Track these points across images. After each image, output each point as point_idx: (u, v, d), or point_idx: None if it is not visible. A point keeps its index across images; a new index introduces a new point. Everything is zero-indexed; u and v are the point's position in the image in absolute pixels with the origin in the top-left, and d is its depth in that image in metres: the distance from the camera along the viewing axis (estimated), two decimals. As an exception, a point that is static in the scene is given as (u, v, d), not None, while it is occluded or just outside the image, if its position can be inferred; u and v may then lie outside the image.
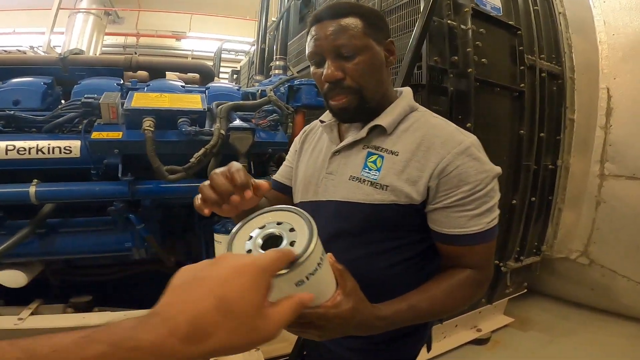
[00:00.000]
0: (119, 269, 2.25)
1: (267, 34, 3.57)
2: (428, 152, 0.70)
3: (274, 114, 1.88)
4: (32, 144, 1.57)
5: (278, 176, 0.97)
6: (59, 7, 5.70)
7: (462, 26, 1.87)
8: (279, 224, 0.53)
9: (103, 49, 6.68)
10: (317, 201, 0.80)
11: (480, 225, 0.69)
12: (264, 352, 1.67)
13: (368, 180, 0.73)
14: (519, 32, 2.05)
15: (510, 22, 2.04)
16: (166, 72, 2.64)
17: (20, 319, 1.73)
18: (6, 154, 1.54)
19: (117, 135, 1.57)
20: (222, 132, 1.64)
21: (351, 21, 0.73)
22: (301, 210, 0.54)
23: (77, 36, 5.96)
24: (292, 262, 0.46)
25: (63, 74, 2.09)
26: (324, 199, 0.78)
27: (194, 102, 1.77)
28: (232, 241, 0.53)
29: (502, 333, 2.35)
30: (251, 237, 0.53)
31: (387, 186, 0.71)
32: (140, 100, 1.67)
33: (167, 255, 2.01)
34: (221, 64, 6.32)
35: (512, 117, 2.09)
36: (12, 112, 1.67)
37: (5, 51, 3.20)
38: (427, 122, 0.75)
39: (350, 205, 0.74)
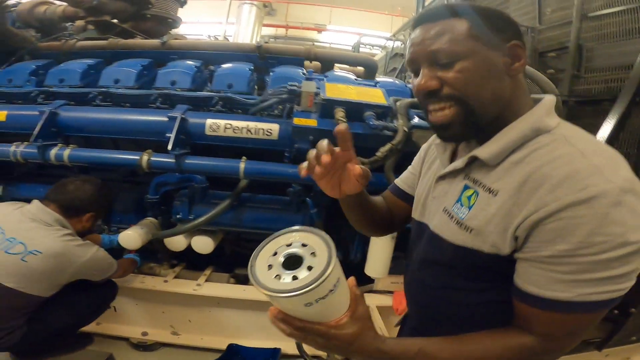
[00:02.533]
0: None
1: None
2: (530, 195, 0.55)
3: None
4: (244, 124, 1.81)
5: (399, 181, 0.93)
6: (231, -1, 6.50)
7: None
8: (304, 245, 0.57)
9: (259, 39, 7.41)
10: (421, 222, 0.77)
11: (569, 293, 0.53)
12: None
13: (456, 218, 0.65)
14: None
15: None
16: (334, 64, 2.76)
17: (198, 284, 2.03)
18: (224, 131, 1.81)
19: (312, 122, 1.71)
20: (405, 129, 1.65)
21: (454, 23, 0.61)
22: (327, 237, 0.57)
23: (244, 26, 6.71)
24: (304, 287, 0.50)
25: (259, 61, 2.36)
26: (426, 222, 0.75)
27: (378, 96, 1.83)
28: (258, 252, 0.58)
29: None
30: (276, 253, 0.57)
31: (472, 229, 0.61)
32: (332, 90, 1.78)
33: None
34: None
35: None
36: (228, 94, 1.96)
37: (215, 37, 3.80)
38: (551, 152, 0.56)
39: (438, 239, 0.68)
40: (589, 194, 0.50)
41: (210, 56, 2.38)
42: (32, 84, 2.09)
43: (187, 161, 1.77)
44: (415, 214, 0.81)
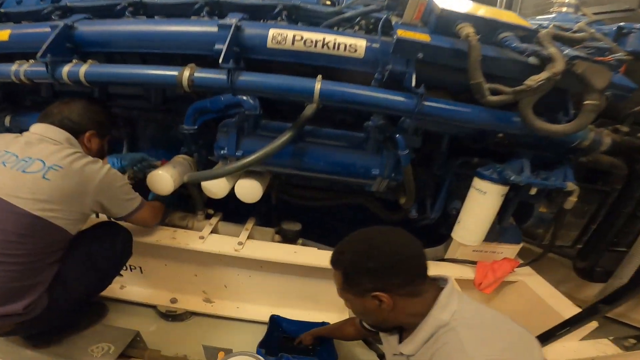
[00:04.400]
0: (332, 195, 2.10)
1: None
2: None
3: (620, 53, 1.32)
4: (319, 37, 1.33)
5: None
6: None
7: None
8: None
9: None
10: None
11: None
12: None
13: None
14: None
15: None
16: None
17: (240, 243, 1.68)
18: (293, 44, 1.34)
19: (425, 37, 1.22)
20: (565, 58, 1.16)
21: (335, 274, 0.96)
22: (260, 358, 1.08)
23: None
24: None
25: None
26: None
27: (513, 17, 1.32)
28: None
29: None
30: None
31: None
32: (448, 3, 1.27)
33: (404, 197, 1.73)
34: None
35: None
36: (293, 1, 1.50)
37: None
38: (443, 342, 0.82)
39: None
40: None
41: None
42: (47, 2, 1.72)
43: (242, 78, 1.32)
44: None
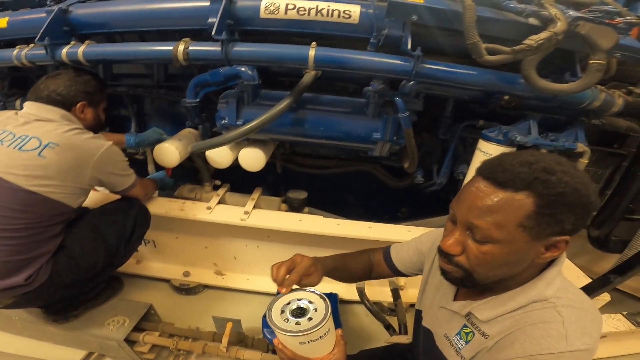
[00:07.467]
0: (338, 163, 2.15)
1: None
2: (507, 345, 0.71)
3: (630, 17, 1.28)
4: (312, 4, 1.35)
5: (396, 259, 1.10)
6: None
7: None
8: (310, 302, 0.82)
9: None
10: (428, 330, 0.94)
11: None
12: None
13: (455, 346, 0.82)
14: None
15: None
16: None
17: (246, 212, 1.73)
18: (286, 13, 1.36)
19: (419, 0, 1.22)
20: (567, 19, 1.15)
21: (519, 202, 0.64)
22: (328, 301, 0.81)
23: None
24: (301, 331, 0.74)
25: None
26: (432, 331, 0.92)
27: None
28: (274, 302, 0.83)
29: None
30: (289, 302, 0.83)
31: (465, 358, 0.80)
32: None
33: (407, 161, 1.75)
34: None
35: None
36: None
37: None
38: (541, 320, 0.69)
39: (442, 355, 0.86)
40: (549, 351, 0.65)
41: None
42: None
43: (236, 49, 1.38)
44: (425, 321, 0.96)
